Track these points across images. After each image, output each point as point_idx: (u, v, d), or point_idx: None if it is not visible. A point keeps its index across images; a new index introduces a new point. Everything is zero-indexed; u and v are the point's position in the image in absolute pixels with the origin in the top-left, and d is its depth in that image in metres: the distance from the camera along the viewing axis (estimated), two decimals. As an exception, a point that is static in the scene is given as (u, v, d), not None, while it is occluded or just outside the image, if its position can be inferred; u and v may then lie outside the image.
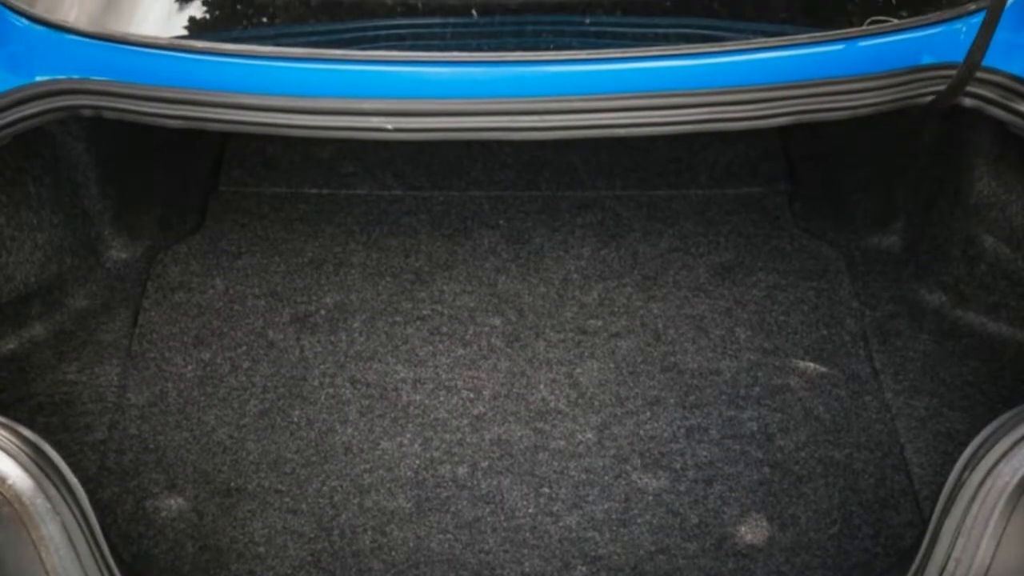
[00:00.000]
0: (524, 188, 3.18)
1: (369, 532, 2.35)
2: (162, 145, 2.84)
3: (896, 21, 2.13)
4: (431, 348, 2.72)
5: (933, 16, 2.21)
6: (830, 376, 2.62)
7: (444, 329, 2.77)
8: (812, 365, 2.66)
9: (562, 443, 2.52)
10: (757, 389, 2.61)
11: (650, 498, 2.41)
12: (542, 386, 2.64)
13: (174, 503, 2.40)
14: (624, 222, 3.06)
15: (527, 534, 2.35)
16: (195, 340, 2.73)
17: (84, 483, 1.94)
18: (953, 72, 2.18)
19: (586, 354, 2.71)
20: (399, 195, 3.17)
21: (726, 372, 2.65)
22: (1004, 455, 1.81)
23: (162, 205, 3.07)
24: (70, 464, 1.93)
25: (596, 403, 2.59)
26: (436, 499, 2.41)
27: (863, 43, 2.13)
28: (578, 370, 2.67)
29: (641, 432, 2.54)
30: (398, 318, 2.80)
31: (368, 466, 2.47)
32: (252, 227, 3.07)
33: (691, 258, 2.95)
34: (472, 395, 2.61)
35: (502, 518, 2.38)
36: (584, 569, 2.29)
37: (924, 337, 2.71)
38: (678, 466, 2.47)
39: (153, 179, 3.03)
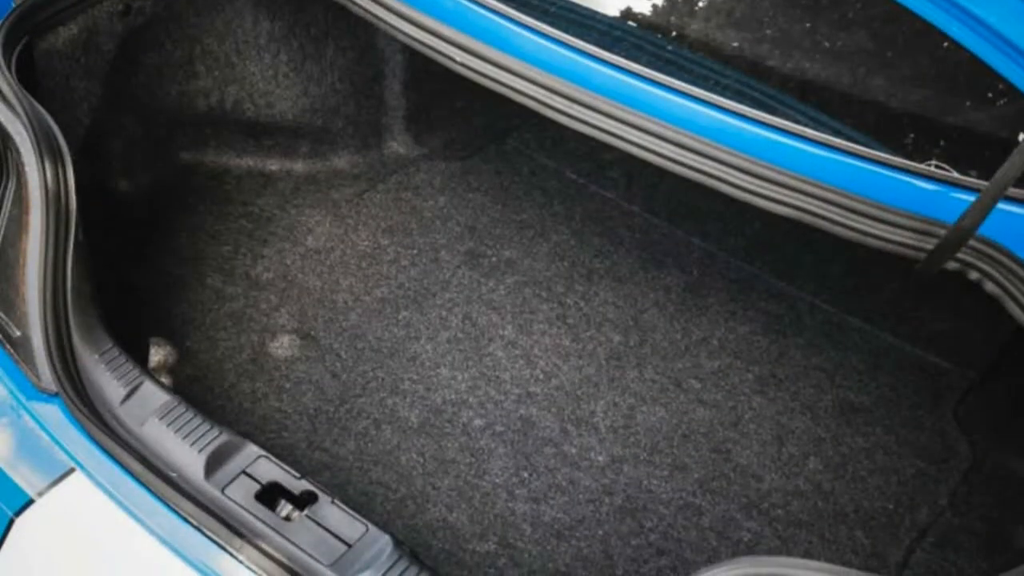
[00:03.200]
0: (733, 254, 3.20)
1: (368, 421, 2.62)
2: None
3: (954, 172, 1.98)
4: (546, 328, 2.90)
5: (953, 177, 2.01)
6: None
7: (570, 321, 2.93)
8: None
9: (573, 451, 2.60)
10: (780, 511, 2.52)
11: (600, 534, 2.44)
12: (602, 403, 2.72)
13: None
14: (801, 327, 2.99)
15: (477, 495, 2.49)
16: (388, 228, 3.20)
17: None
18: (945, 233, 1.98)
19: (662, 402, 2.74)
20: (625, 206, 3.34)
21: (765, 482, 2.57)
22: None
23: (449, 128, 3.51)
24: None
25: (631, 440, 2.63)
26: (438, 429, 2.62)
27: (900, 176, 2.00)
28: (643, 408, 2.72)
29: (643, 484, 2.55)
30: (544, 295, 3.00)
31: (415, 377, 2.74)
32: (508, 178, 3.42)
33: (827, 381, 2.83)
34: (541, 376, 2.77)
35: (470, 473, 2.53)
36: (494, 547, 2.40)
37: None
38: (648, 524, 2.47)
39: (452, 98, 3.46)
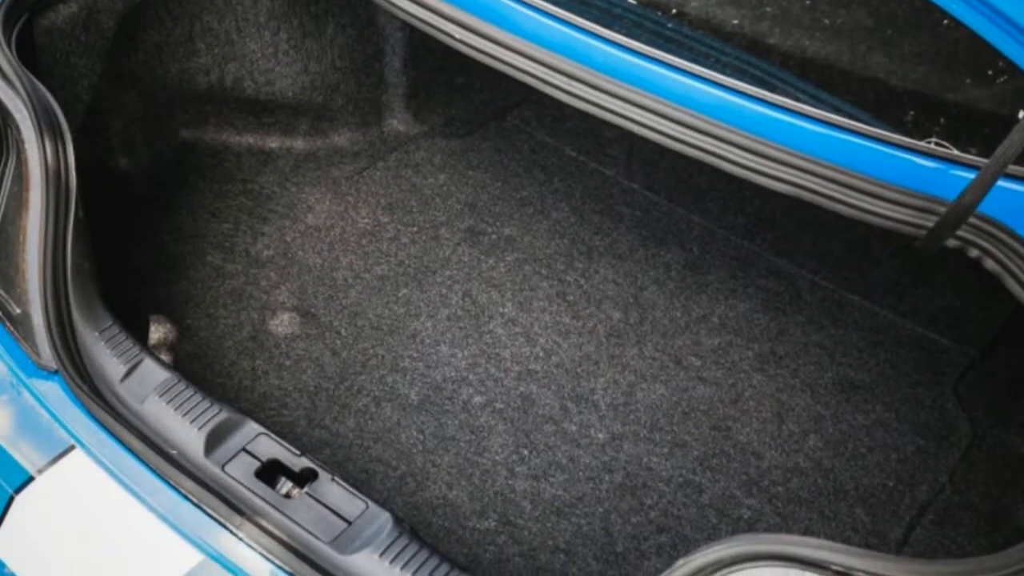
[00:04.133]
0: (729, 230, 3.20)
1: (368, 398, 2.62)
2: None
3: (953, 150, 1.98)
4: (546, 305, 2.90)
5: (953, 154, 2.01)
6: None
7: (570, 298, 2.93)
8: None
9: (573, 428, 2.61)
10: (780, 488, 2.53)
11: (600, 512, 2.45)
12: (602, 380, 2.72)
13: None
14: (800, 303, 2.99)
15: (476, 472, 2.50)
16: (388, 206, 3.20)
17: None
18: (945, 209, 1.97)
19: (662, 380, 2.74)
20: (624, 183, 3.34)
21: (765, 460, 2.57)
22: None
23: (448, 105, 3.50)
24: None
25: (631, 418, 2.64)
26: (437, 406, 2.62)
27: (898, 153, 2.00)
28: (643, 386, 2.72)
29: (643, 461, 2.56)
30: (544, 272, 3.00)
31: (415, 354, 2.74)
32: (507, 154, 3.43)
33: (827, 359, 2.83)
34: (541, 354, 2.77)
35: (470, 450, 2.54)
36: (493, 524, 2.40)
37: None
38: (648, 501, 2.47)
39: (453, 77, 3.46)
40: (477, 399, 2.65)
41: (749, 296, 3.00)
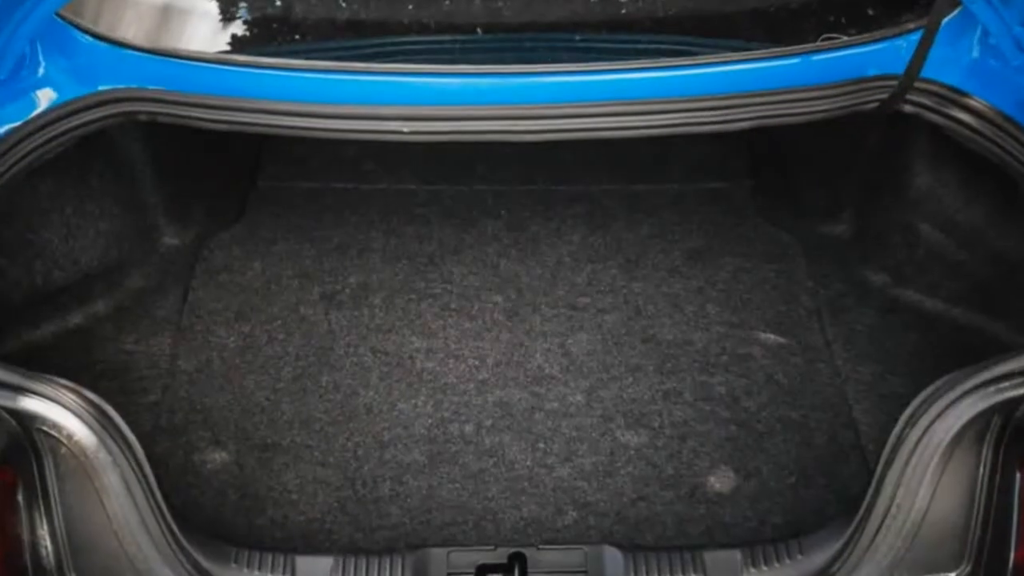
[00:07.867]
0: (522, 183, 3.58)
1: (388, 482, 2.68)
2: (208, 146, 3.19)
3: (845, 38, 2.48)
4: (442, 322, 3.09)
5: (877, 34, 2.56)
6: (788, 346, 2.98)
7: (453, 305, 3.14)
8: (772, 336, 3.01)
9: (555, 404, 2.86)
10: (725, 357, 2.98)
11: (632, 452, 2.74)
12: (538, 355, 2.99)
13: (218, 457, 2.74)
14: (609, 212, 3.48)
15: (525, 483, 2.68)
16: (236, 315, 3.12)
17: (140, 439, 2.19)
18: (895, 83, 2.52)
19: (576, 327, 3.06)
20: (413, 189, 3.57)
21: (698, 343, 3.01)
22: (939, 415, 2.07)
23: (209, 198, 3.45)
24: (128, 422, 2.18)
25: (585, 370, 2.94)
26: (446, 453, 2.75)
27: (816, 57, 2.48)
28: (569, 341, 3.02)
29: (624, 395, 2.88)
30: (413, 296, 3.16)
31: (387, 424, 2.82)
32: (286, 217, 3.47)
33: (667, 244, 3.33)
34: (477, 363, 2.97)
35: (503, 470, 2.71)
36: (574, 514, 2.60)
37: (870, 312, 3.09)
38: (656, 424, 2.80)
39: (201, 175, 3.40)
40: (468, 427, 2.80)
41: (570, 228, 3.38)
